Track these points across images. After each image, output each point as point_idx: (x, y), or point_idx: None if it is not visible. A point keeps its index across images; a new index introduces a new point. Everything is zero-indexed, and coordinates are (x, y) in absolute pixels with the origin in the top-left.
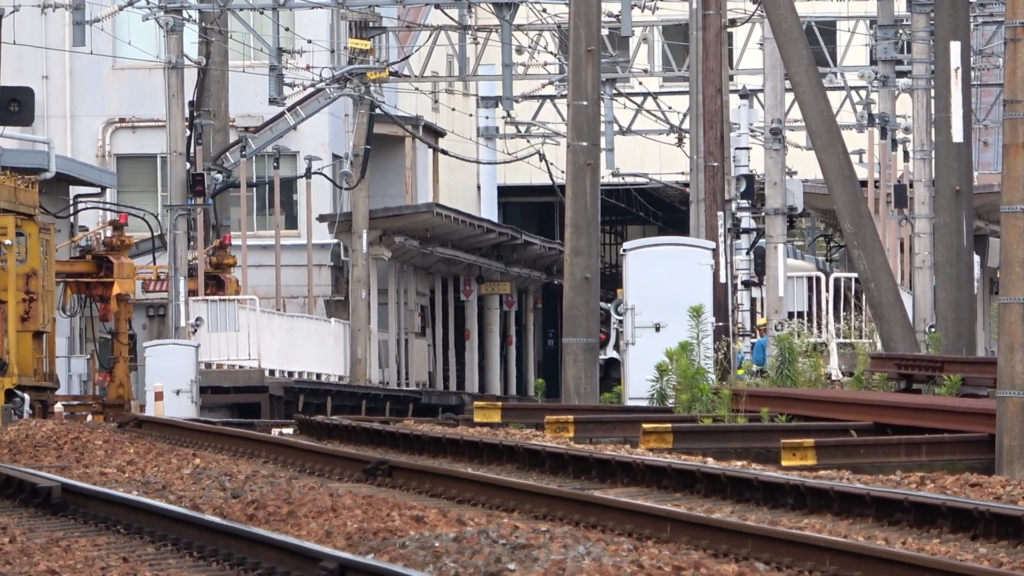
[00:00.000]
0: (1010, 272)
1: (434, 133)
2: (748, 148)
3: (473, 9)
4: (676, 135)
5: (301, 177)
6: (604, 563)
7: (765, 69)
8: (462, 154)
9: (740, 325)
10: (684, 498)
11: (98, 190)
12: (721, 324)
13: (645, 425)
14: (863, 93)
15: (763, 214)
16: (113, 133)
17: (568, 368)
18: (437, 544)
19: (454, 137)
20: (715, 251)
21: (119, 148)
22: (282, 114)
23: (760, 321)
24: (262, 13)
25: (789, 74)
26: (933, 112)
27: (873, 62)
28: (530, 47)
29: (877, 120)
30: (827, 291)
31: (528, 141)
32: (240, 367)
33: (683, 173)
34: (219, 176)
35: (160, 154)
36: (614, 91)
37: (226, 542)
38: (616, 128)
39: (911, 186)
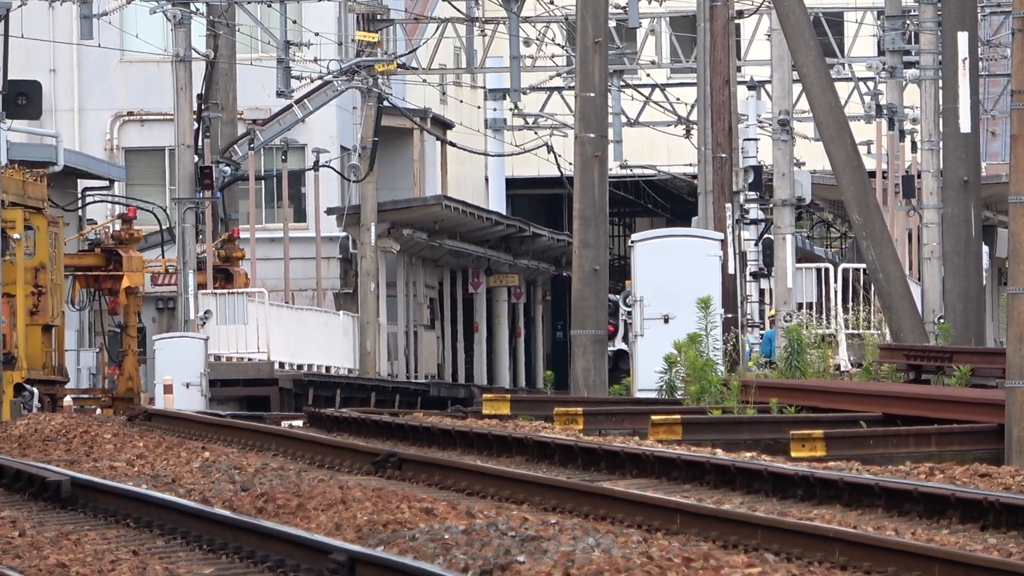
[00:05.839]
0: (1018, 262)
1: (442, 125)
2: (756, 139)
3: (480, 1)
4: (684, 126)
5: (309, 170)
6: (614, 555)
7: (773, 60)
8: (470, 146)
9: (749, 316)
10: (693, 489)
11: (106, 183)
12: (730, 315)
13: (654, 417)
14: (871, 84)
15: (771, 205)
16: (121, 126)
17: (577, 360)
18: (447, 536)
19: (462, 129)
20: (723, 242)
21: (127, 141)
22: (290, 107)
23: (769, 312)
24: (269, 6)
25: (797, 65)
26: (941, 103)
27: (881, 53)
28: (537, 39)
29: (885, 111)
30: (836, 282)
31: (536, 133)
32: (249, 360)
33: (691, 164)
34: (227, 169)
35: (168, 147)
36: (622, 83)
37: (235, 535)
38: (624, 120)
39: (919, 177)
